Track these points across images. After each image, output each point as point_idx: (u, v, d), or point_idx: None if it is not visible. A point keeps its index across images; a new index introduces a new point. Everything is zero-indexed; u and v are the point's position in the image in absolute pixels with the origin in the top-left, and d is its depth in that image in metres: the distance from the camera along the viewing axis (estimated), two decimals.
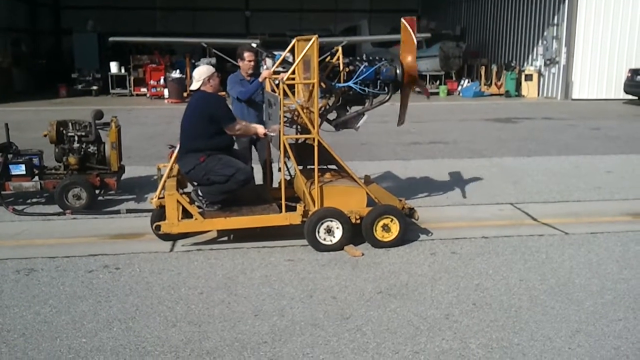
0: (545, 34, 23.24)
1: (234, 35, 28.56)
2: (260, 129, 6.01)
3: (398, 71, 5.89)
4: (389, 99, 6.07)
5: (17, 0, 26.71)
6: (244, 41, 23.48)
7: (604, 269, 5.17)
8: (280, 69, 6.97)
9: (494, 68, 24.93)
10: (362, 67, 5.88)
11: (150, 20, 33.41)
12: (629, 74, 20.17)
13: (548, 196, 7.80)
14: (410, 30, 5.98)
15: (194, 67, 22.67)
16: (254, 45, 21.61)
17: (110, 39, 21.64)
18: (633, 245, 5.77)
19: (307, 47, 5.56)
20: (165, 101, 20.57)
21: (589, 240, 5.95)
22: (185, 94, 20.94)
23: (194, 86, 5.90)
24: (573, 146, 11.87)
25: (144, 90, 22.23)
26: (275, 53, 20.80)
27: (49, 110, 17.78)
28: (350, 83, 5.85)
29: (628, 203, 7.52)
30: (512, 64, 24.57)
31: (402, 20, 6.05)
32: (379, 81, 5.90)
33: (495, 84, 24.35)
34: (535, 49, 24.04)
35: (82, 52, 24.39)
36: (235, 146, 6.44)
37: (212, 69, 5.98)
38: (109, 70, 22.69)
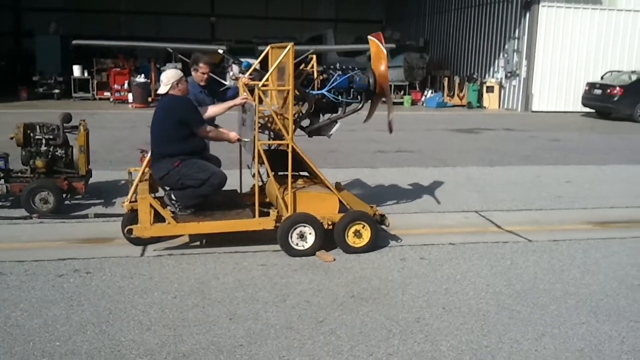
0: (506, 47, 23.83)
1: (199, 41, 28.42)
2: (233, 135, 6.05)
3: (371, 80, 6.02)
4: (362, 107, 6.20)
5: None
6: (209, 47, 23.43)
7: (566, 275, 5.37)
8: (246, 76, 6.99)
9: (457, 79, 25.42)
10: (335, 76, 5.99)
11: (114, 24, 32.96)
12: (587, 88, 20.85)
13: (511, 204, 8.04)
14: (379, 43, 6.12)
15: (159, 71, 22.57)
16: (220, 51, 21.64)
17: (74, 42, 21.22)
18: (594, 253, 6.00)
19: (282, 54, 5.64)
20: (130, 106, 20.32)
21: (551, 247, 6.17)
22: (150, 99, 20.73)
23: (162, 90, 5.90)
24: (533, 157, 12.22)
25: (107, 94, 21.89)
26: (242, 60, 20.78)
27: (9, 113, 17.33)
28: (324, 91, 5.95)
29: (588, 212, 7.81)
30: (474, 76, 25.10)
31: (370, 37, 6.20)
32: (352, 90, 6.02)
33: (458, 95, 24.83)
34: (496, 62, 24.62)
35: (44, 54, 23.85)
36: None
37: (180, 73, 5.99)
38: (72, 73, 22.27)
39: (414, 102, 24.80)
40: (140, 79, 20.20)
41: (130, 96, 20.49)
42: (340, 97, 6.03)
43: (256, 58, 23.17)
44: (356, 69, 6.21)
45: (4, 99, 20.60)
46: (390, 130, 6.43)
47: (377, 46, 6.09)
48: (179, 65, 21.93)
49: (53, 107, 19.48)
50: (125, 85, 21.15)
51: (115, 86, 21.36)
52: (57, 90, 22.18)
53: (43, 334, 3.97)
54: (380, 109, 6.59)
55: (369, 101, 6.31)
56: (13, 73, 26.81)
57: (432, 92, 25.33)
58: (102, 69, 22.31)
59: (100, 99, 22.00)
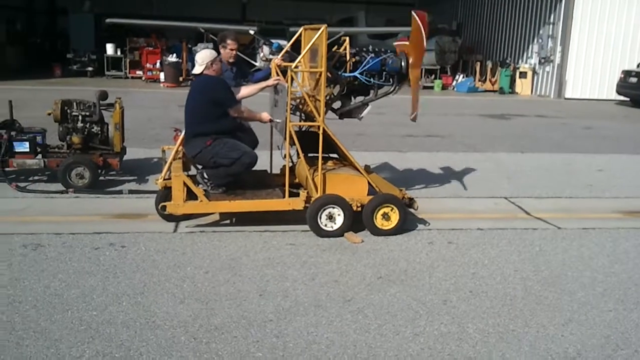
0: (540, 32, 23.43)
1: (230, 22, 28.51)
2: (265, 115, 6.12)
3: (403, 63, 6.01)
4: (394, 90, 6.20)
5: None
6: (241, 27, 23.51)
7: (595, 262, 5.35)
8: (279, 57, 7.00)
9: (489, 64, 25.10)
10: (368, 58, 6.00)
11: (146, 3, 33.20)
12: (622, 75, 20.42)
13: (541, 192, 7.98)
14: (421, 25, 6.04)
15: (190, 51, 22.75)
16: (251, 32, 21.72)
17: (107, 20, 21.57)
18: (623, 242, 5.95)
19: (315, 36, 5.67)
20: (161, 85, 20.56)
21: (580, 235, 6.13)
22: (181, 78, 20.95)
23: (197, 70, 5.98)
24: (565, 144, 12.07)
25: (139, 73, 22.19)
26: (273, 41, 20.82)
27: (44, 89, 17.71)
28: (356, 73, 5.97)
29: (618, 201, 7.71)
30: (507, 61, 24.76)
31: (413, 13, 6.07)
32: (384, 72, 6.03)
33: (490, 80, 24.54)
34: (530, 47, 24.23)
35: (78, 32, 24.26)
36: None
37: (214, 53, 6.07)
38: (105, 51, 22.59)
39: (444, 87, 24.60)
40: (172, 58, 20.41)
41: (162, 75, 20.72)
42: (372, 79, 6.05)
43: (287, 39, 23.27)
44: (389, 51, 6.21)
45: (39, 75, 21.04)
46: (414, 118, 6.30)
47: (418, 27, 5.93)
48: (211, 45, 22.07)
49: (86, 84, 19.86)
50: (157, 65, 21.37)
51: (148, 65, 21.61)
52: (90, 68, 22.55)
53: (81, 304, 4.12)
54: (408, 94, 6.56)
55: (405, 86, 6.26)
56: (48, 50, 27.25)
57: (463, 77, 25.09)
58: (134, 47, 22.60)
59: (132, 77, 22.30)
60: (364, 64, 6.01)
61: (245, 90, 6.30)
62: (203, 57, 5.86)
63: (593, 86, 22.11)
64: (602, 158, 10.61)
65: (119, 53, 22.67)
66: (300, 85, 5.83)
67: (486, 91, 24.12)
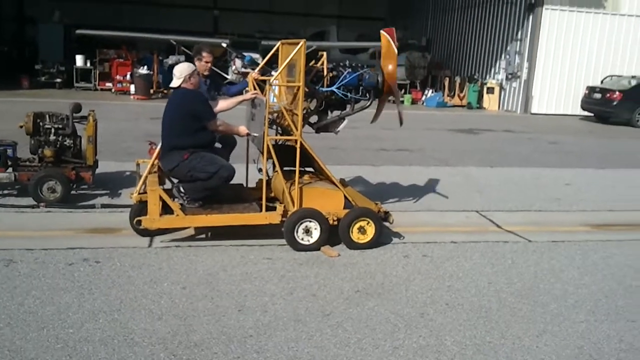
0: (508, 48, 23.95)
1: (202, 34, 28.43)
2: (242, 129, 6.13)
3: (380, 78, 6.12)
4: (370, 104, 6.29)
5: None
6: (213, 40, 23.47)
7: (566, 275, 5.49)
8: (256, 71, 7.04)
9: (457, 80, 25.52)
10: (345, 73, 6.09)
11: (116, 15, 32.91)
12: (586, 91, 20.99)
13: (511, 205, 8.14)
14: (391, 41, 6.22)
15: (161, 63, 22.62)
16: (223, 45, 21.68)
17: (77, 31, 21.26)
18: (592, 254, 6.12)
19: (294, 51, 5.72)
20: (131, 97, 20.35)
21: (550, 248, 6.28)
22: (151, 91, 20.79)
23: (175, 83, 5.95)
24: (533, 159, 12.34)
25: (109, 85, 21.91)
26: (245, 54, 20.88)
27: (11, 101, 17.39)
28: (333, 88, 6.05)
29: (586, 214, 7.92)
30: (475, 77, 25.22)
31: (382, 31, 6.29)
32: (361, 87, 6.12)
33: (458, 96, 24.94)
34: (497, 63, 24.74)
35: (47, 43, 23.79)
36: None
37: (193, 67, 6.07)
38: (74, 63, 22.28)
39: (414, 101, 24.91)
40: (143, 70, 20.23)
41: (132, 87, 20.52)
42: (349, 94, 6.13)
43: (259, 53, 23.14)
44: (365, 66, 6.30)
45: (6, 87, 20.61)
46: (401, 122, 6.53)
47: (388, 43, 6.16)
48: (182, 57, 21.99)
49: (55, 96, 19.55)
50: (128, 77, 21.17)
51: (118, 77, 21.39)
52: (59, 80, 22.21)
53: (56, 321, 4.06)
54: (386, 107, 6.69)
55: (377, 99, 6.41)
56: (15, 60, 26.75)
57: (432, 92, 25.44)
58: (104, 59, 22.34)
59: (102, 89, 22.03)
60: (341, 78, 6.09)
61: (222, 104, 6.31)
62: (181, 70, 5.86)
63: (558, 102, 22.67)
64: (569, 172, 10.88)
65: (88, 64, 22.38)
66: (278, 99, 5.87)
67: (454, 106, 24.50)
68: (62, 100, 17.64)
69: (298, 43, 5.79)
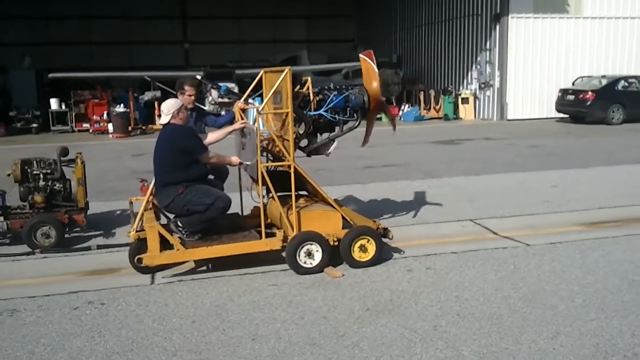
0: (478, 58, 24.34)
1: (174, 68, 28.52)
2: (234, 159, 6.15)
3: (366, 98, 6.20)
4: (359, 124, 6.36)
5: None
6: (187, 73, 23.53)
7: (568, 275, 5.55)
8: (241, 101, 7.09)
9: (432, 93, 25.82)
10: (331, 96, 6.16)
11: (87, 55, 32.85)
12: (560, 94, 21.39)
13: (503, 211, 8.23)
14: (370, 61, 6.32)
15: (137, 100, 22.59)
16: (198, 77, 21.71)
17: (50, 75, 21.21)
18: (590, 252, 6.20)
19: (280, 78, 5.78)
20: (110, 136, 20.25)
21: (549, 250, 6.36)
22: (130, 128, 20.71)
23: (164, 120, 5.97)
24: (516, 164, 12.50)
25: (86, 125, 21.76)
26: (221, 84, 20.92)
27: None
28: (321, 111, 6.11)
29: (577, 214, 8.03)
30: (449, 89, 25.55)
31: (361, 55, 6.41)
32: (348, 108, 6.19)
33: (434, 108, 25.22)
34: (469, 73, 25.11)
35: (19, 89, 23.69)
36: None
37: (180, 102, 6.10)
38: (49, 106, 22.13)
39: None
40: (120, 108, 20.16)
41: (110, 126, 20.43)
42: (337, 116, 6.20)
43: (234, 82, 23.19)
44: (350, 88, 6.38)
45: None
46: (394, 129, 6.64)
47: (368, 64, 6.28)
48: (158, 93, 22.03)
49: (32, 141, 19.40)
50: (105, 116, 21.08)
51: (95, 117, 21.28)
52: (35, 125, 22.02)
53: None
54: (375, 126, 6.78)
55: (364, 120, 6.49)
56: None
57: (408, 106, 25.70)
58: (79, 100, 22.21)
59: (79, 130, 21.88)
60: (328, 101, 6.16)
61: (212, 136, 6.34)
62: (169, 106, 5.87)
63: (533, 106, 23.03)
64: (553, 174, 11.03)
65: (63, 107, 22.24)
66: (269, 126, 5.91)
67: (432, 119, 24.75)
68: (40, 145, 17.55)
69: (281, 71, 5.86)
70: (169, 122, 5.92)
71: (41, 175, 7.09)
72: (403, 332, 4.39)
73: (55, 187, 7.18)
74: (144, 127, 21.46)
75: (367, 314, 4.76)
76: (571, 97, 20.75)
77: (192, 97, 6.86)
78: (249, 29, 36.82)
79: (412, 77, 29.06)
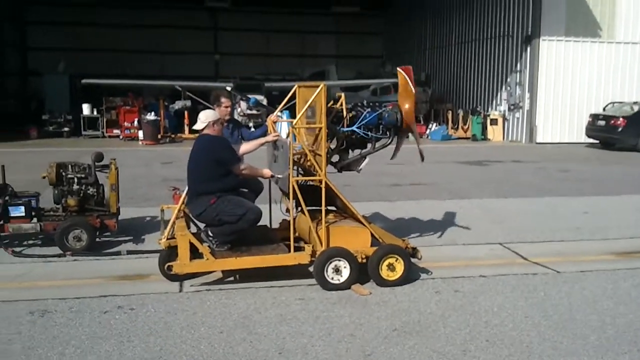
0: (508, 80, 24.22)
1: (204, 78, 28.89)
2: (266, 172, 6.19)
3: (399, 117, 6.20)
4: (391, 142, 6.37)
5: None
6: (216, 84, 23.81)
7: (600, 305, 5.46)
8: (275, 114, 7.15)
9: (460, 112, 25.75)
10: (365, 113, 6.18)
11: (119, 62, 33.44)
12: (590, 119, 21.15)
13: (533, 236, 8.14)
14: (408, 79, 6.33)
15: (167, 109, 22.90)
16: (228, 88, 21.98)
17: (83, 81, 21.64)
18: (622, 283, 6.09)
19: (314, 94, 5.81)
20: (140, 143, 20.56)
21: (580, 278, 6.26)
22: (159, 136, 20.99)
23: (198, 126, 6.07)
24: (546, 188, 12.37)
25: (116, 131, 22.15)
26: (250, 96, 21.13)
27: (22, 152, 17.57)
28: (354, 127, 6.12)
29: (608, 243, 7.90)
30: (478, 109, 25.44)
31: (399, 69, 6.42)
32: (381, 126, 6.20)
33: (462, 128, 25.13)
34: (499, 95, 24.98)
35: (53, 93, 24.23)
36: None
37: (217, 115, 6.19)
38: (81, 112, 22.57)
39: (420, 135, 25.06)
40: (151, 116, 20.48)
41: (140, 133, 20.74)
42: (370, 133, 6.21)
43: (263, 94, 23.48)
44: (384, 105, 6.40)
45: (15, 137, 20.83)
46: (422, 158, 6.62)
47: (405, 81, 6.27)
48: (188, 102, 22.31)
49: (64, 145, 19.77)
50: (135, 123, 21.41)
51: (125, 124, 21.62)
52: (66, 129, 22.47)
53: None
54: (405, 143, 6.77)
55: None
56: (22, 112, 27.06)
57: (436, 125, 25.64)
58: (111, 107, 22.62)
59: (109, 136, 22.24)
60: (361, 118, 6.18)
61: (245, 147, 6.39)
62: (207, 115, 5.98)
63: (562, 130, 22.82)
64: (585, 200, 10.89)
65: (95, 113, 22.67)
66: (301, 141, 5.95)
67: (459, 138, 24.66)
68: (72, 149, 17.86)
69: (316, 86, 5.90)
70: (202, 131, 6.00)
71: (75, 179, 7.22)
72: (431, 355, 4.35)
73: (88, 192, 7.29)
74: (173, 136, 21.74)
75: (394, 334, 4.73)
76: (602, 123, 20.50)
77: (228, 109, 6.95)
78: (278, 42, 37.18)
79: (440, 95, 29.04)
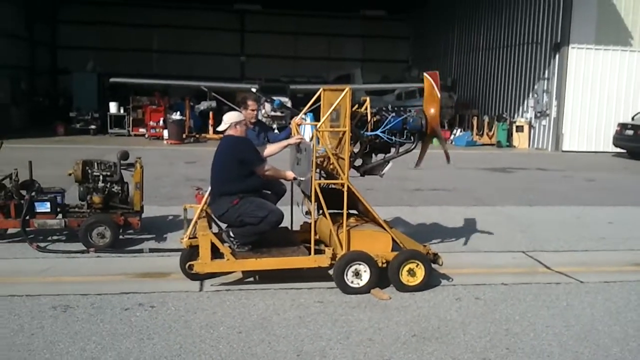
0: (535, 87, 23.95)
1: (229, 79, 29.09)
2: (289, 174, 6.21)
3: (423, 122, 6.17)
4: (415, 147, 6.34)
5: (17, 39, 26.95)
6: (242, 85, 23.97)
7: (623, 317, 5.36)
8: (299, 117, 7.18)
9: (486, 119, 25.53)
10: (389, 117, 6.16)
11: (147, 62, 33.84)
12: (618, 128, 20.81)
13: (556, 245, 8.03)
14: (434, 84, 6.30)
15: (192, 109, 23.11)
16: (253, 90, 22.11)
17: (111, 79, 21.94)
18: None
19: (339, 98, 5.82)
20: (165, 142, 20.78)
21: (604, 289, 6.16)
22: (184, 136, 21.19)
23: (222, 127, 6.12)
24: (571, 197, 12.21)
25: (142, 130, 22.43)
26: (274, 98, 21.23)
27: (49, 148, 17.87)
28: (378, 132, 6.11)
29: (634, 254, 7.76)
30: (504, 115, 25.20)
31: (425, 74, 6.39)
32: (405, 131, 6.18)
33: (487, 134, 24.91)
34: (525, 102, 24.72)
35: (81, 91, 24.63)
36: None
37: (241, 116, 6.23)
38: (108, 110, 22.90)
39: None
40: (176, 116, 20.69)
41: (165, 133, 20.97)
42: (394, 137, 6.19)
43: (288, 96, 23.64)
44: (410, 110, 6.38)
45: (43, 134, 21.20)
46: (448, 160, 6.66)
47: (431, 86, 6.24)
48: (214, 103, 22.49)
49: (90, 142, 20.08)
50: (161, 122, 21.64)
51: (151, 123, 21.87)
52: (93, 126, 22.81)
53: None
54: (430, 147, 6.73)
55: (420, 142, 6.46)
56: (50, 109, 27.54)
57: (461, 131, 25.46)
58: (137, 106, 22.90)
59: (135, 135, 22.52)
60: (385, 122, 6.16)
61: (269, 149, 6.42)
62: (230, 117, 6.03)
63: (589, 139, 22.49)
64: (610, 210, 10.71)
65: (122, 111, 22.98)
66: (325, 144, 5.96)
67: (484, 145, 24.45)
68: (99, 147, 18.13)
69: (341, 90, 5.90)
70: (226, 132, 6.05)
71: (101, 177, 7.32)
72: None
73: (113, 189, 7.39)
74: (197, 136, 21.93)
75: (413, 340, 4.70)
76: (630, 132, 20.15)
77: (255, 112, 7.01)
78: (304, 45, 37.27)
79: (466, 101, 28.83)
